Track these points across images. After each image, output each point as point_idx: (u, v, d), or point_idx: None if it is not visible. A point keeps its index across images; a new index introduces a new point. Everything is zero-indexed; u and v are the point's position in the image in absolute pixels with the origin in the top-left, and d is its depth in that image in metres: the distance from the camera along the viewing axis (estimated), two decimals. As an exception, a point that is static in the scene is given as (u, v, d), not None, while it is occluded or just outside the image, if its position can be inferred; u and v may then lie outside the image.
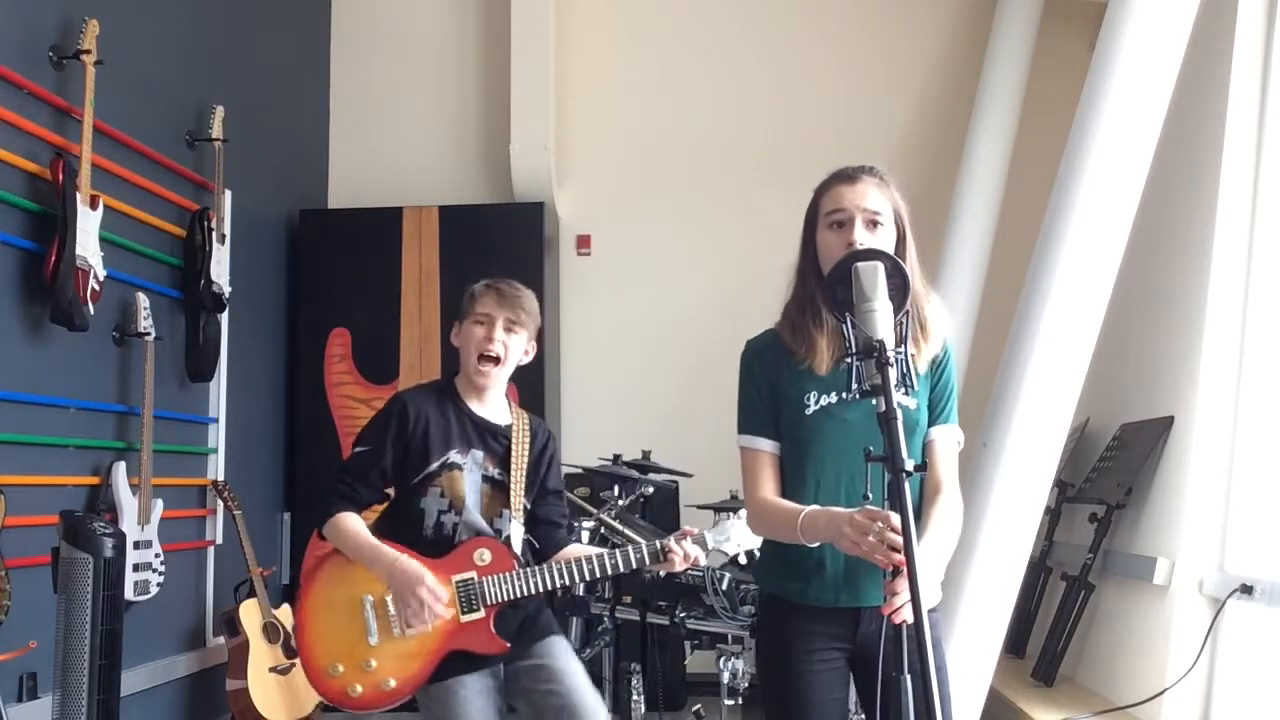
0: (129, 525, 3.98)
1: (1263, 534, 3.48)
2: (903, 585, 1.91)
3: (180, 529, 4.58)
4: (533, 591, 2.75)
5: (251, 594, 4.59)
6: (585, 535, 3.74)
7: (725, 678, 3.60)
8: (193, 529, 4.75)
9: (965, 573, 3.52)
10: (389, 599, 2.72)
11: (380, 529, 2.82)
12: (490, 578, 2.74)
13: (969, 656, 3.53)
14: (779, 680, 2.28)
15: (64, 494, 3.81)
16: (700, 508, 4.32)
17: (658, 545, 2.77)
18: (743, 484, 2.37)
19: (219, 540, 4.83)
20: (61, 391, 3.82)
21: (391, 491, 2.86)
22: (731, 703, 3.59)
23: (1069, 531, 4.65)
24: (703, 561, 2.80)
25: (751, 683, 3.62)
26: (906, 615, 1.91)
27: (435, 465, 2.78)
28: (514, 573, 2.75)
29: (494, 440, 2.86)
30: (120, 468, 4.01)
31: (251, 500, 4.98)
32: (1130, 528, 4.05)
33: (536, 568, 2.77)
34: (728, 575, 3.74)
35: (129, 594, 3.87)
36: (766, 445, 2.32)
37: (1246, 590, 3.32)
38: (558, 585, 2.77)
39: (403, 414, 2.80)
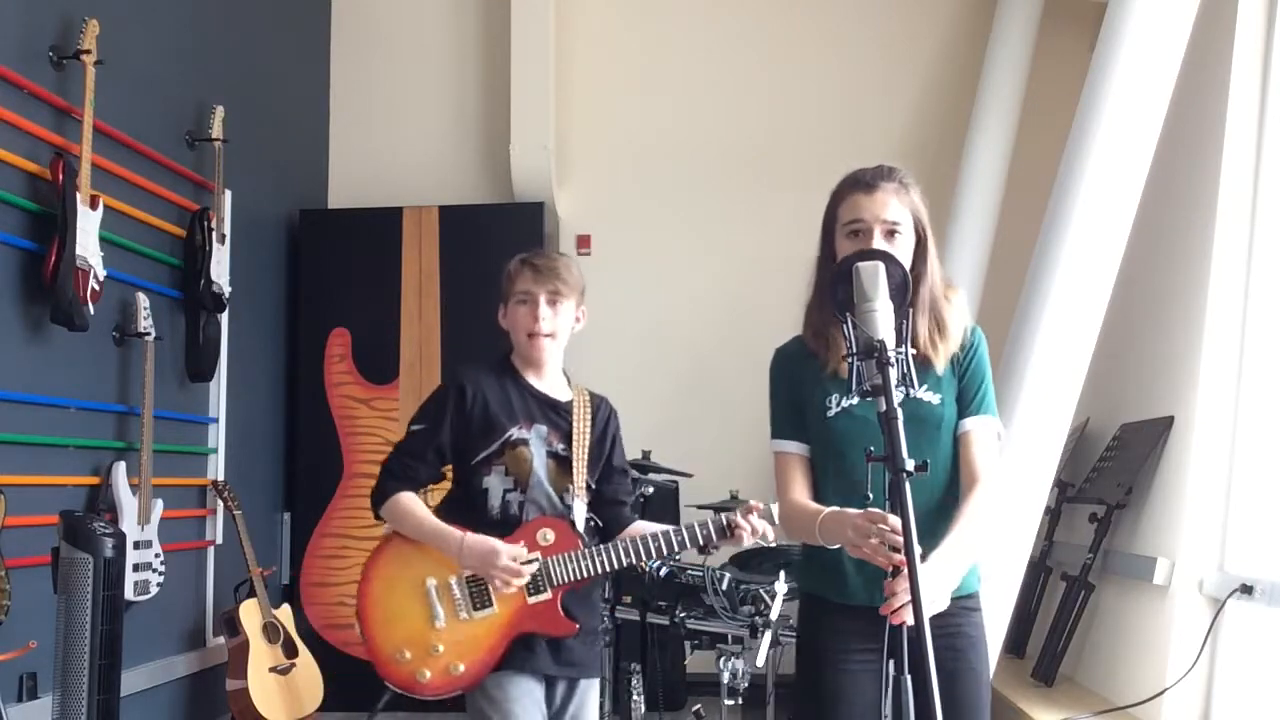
0: (129, 525, 3.98)
1: (1263, 534, 3.48)
2: (902, 585, 1.91)
3: (180, 529, 4.58)
4: (599, 571, 2.67)
5: (251, 594, 4.59)
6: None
7: (725, 678, 3.59)
8: (193, 529, 4.75)
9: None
10: (453, 581, 2.67)
11: (444, 513, 2.75)
12: (556, 557, 2.66)
13: (969, 656, 3.53)
14: (815, 680, 2.30)
15: (64, 494, 3.81)
16: (700, 507, 4.31)
17: (724, 520, 2.67)
18: (776, 488, 2.38)
19: (219, 540, 4.83)
20: (61, 391, 3.81)
21: (448, 471, 2.79)
22: (731, 703, 3.59)
23: (1069, 531, 4.65)
24: (770, 536, 2.68)
25: (752, 683, 3.62)
26: (906, 616, 1.90)
27: (497, 444, 2.71)
28: (580, 551, 2.67)
29: (557, 415, 2.78)
30: (120, 468, 4.01)
31: (251, 500, 4.98)
32: (1130, 528, 4.06)
33: (603, 546, 2.69)
34: (728, 575, 3.75)
35: (129, 594, 3.87)
36: (794, 448, 2.34)
37: (1246, 590, 3.33)
38: (624, 563, 2.69)
39: (460, 391, 2.73)
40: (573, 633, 2.69)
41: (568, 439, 2.76)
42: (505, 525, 2.69)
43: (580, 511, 2.75)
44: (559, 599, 2.68)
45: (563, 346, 2.81)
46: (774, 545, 3.39)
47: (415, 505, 2.72)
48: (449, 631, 2.66)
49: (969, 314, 2.39)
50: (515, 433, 2.72)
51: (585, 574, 2.67)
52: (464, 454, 2.73)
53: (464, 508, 2.74)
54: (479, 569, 2.63)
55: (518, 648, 2.67)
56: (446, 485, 2.84)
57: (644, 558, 2.70)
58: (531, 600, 2.67)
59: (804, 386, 2.31)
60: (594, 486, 2.81)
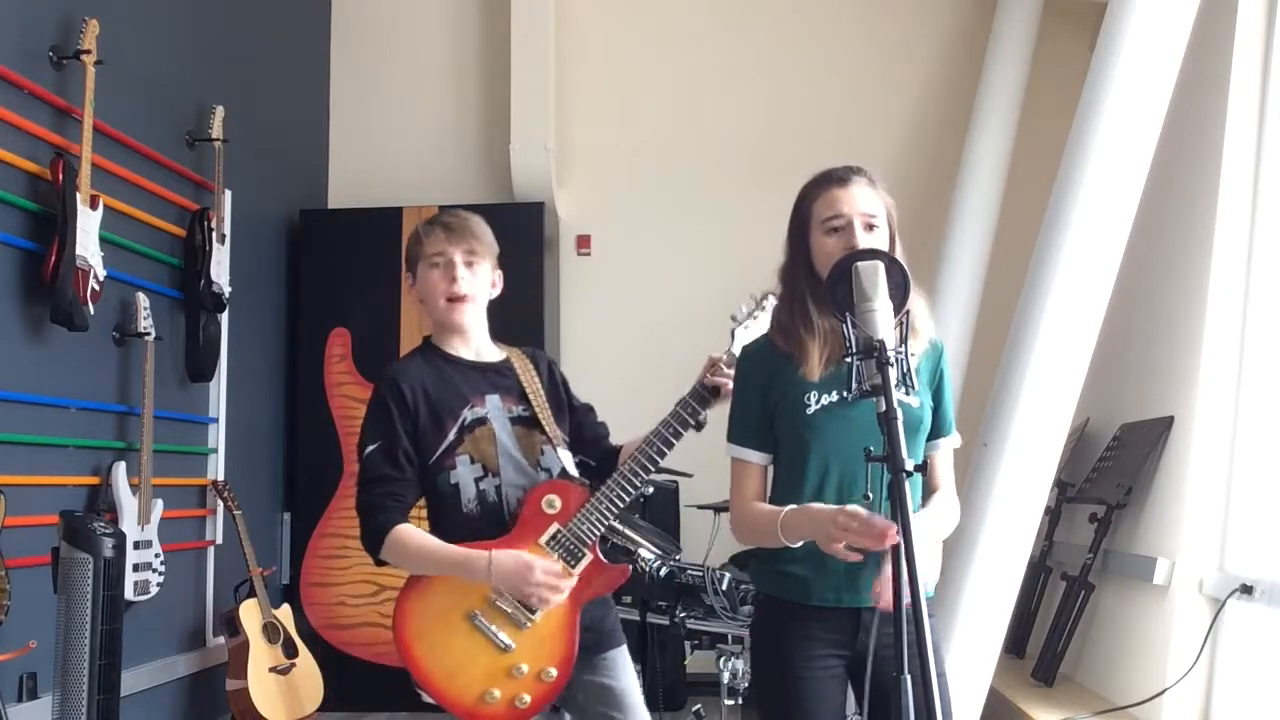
0: (129, 525, 3.98)
1: (1263, 534, 3.48)
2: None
3: (180, 529, 4.58)
4: (622, 503, 2.51)
5: (251, 594, 4.59)
6: None
7: (725, 678, 3.59)
8: (193, 529, 4.75)
9: (965, 573, 3.52)
10: (496, 599, 2.47)
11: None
12: (576, 517, 2.50)
13: (969, 656, 3.53)
14: (777, 687, 2.26)
15: (64, 494, 3.81)
16: (700, 508, 4.32)
17: (702, 388, 2.56)
18: (730, 492, 2.35)
19: (219, 540, 4.83)
20: (61, 391, 3.82)
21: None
22: (731, 703, 3.59)
23: (1069, 531, 4.65)
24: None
25: (752, 683, 3.62)
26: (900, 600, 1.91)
27: (453, 433, 2.52)
28: (595, 497, 2.52)
29: (501, 378, 2.61)
30: (120, 468, 4.01)
31: (251, 500, 4.98)
32: (1130, 528, 4.05)
33: (611, 480, 2.53)
34: (728, 575, 3.74)
35: (129, 594, 3.87)
36: (753, 457, 2.31)
37: (1246, 590, 3.32)
38: (640, 481, 2.52)
39: (396, 391, 2.52)
40: (626, 574, 2.56)
41: (523, 397, 2.60)
42: (489, 518, 2.52)
43: (567, 459, 2.60)
44: (598, 553, 2.53)
45: (483, 311, 2.63)
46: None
47: (419, 536, 2.49)
48: (522, 648, 2.48)
49: (930, 320, 2.38)
50: (468, 413, 2.54)
51: (612, 513, 2.52)
52: (422, 455, 2.53)
53: (440, 513, 2.55)
54: (513, 589, 2.45)
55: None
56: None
57: (655, 462, 2.54)
58: (577, 569, 2.51)
59: (778, 384, 2.28)
60: (569, 434, 2.67)
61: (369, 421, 2.56)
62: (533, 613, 2.47)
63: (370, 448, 2.54)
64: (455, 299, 2.56)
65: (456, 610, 2.48)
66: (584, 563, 2.52)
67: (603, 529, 2.52)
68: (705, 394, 2.57)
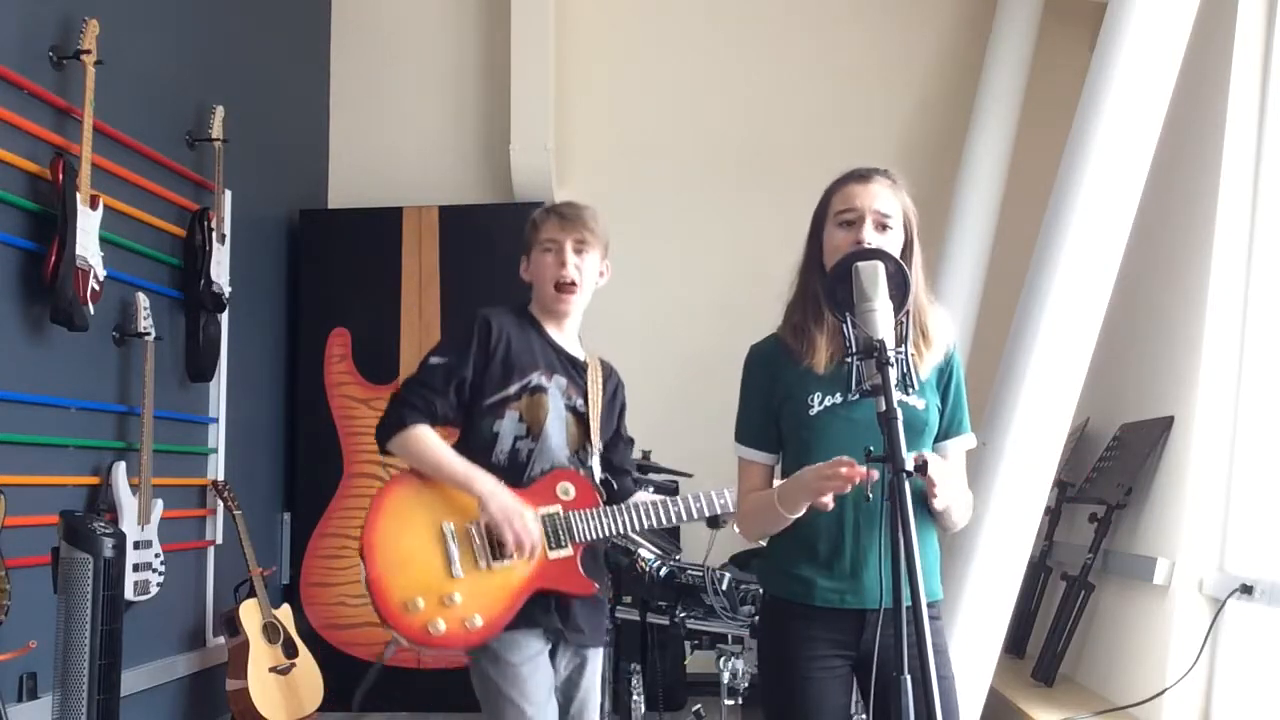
0: (129, 525, 3.98)
1: (1263, 534, 3.48)
2: (938, 472, 2.02)
3: (180, 529, 4.58)
4: (619, 530, 2.58)
5: (251, 594, 4.59)
6: None
7: (725, 678, 3.59)
8: (193, 529, 4.75)
9: (965, 573, 3.52)
10: (472, 528, 2.52)
11: None
12: (576, 513, 2.55)
13: (969, 656, 3.53)
14: (781, 687, 2.27)
15: (64, 494, 3.81)
16: (700, 508, 4.32)
17: (715, 517, 2.64)
18: (737, 492, 2.37)
19: (219, 540, 4.83)
20: (61, 391, 3.81)
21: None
22: (731, 703, 3.59)
23: (1069, 531, 4.65)
24: None
25: (752, 683, 3.62)
26: (942, 495, 2.03)
27: (515, 388, 2.58)
28: (600, 509, 2.57)
29: (575, 372, 2.68)
30: (120, 468, 4.01)
31: (251, 500, 4.98)
32: (1130, 528, 4.06)
33: (624, 506, 2.59)
34: (728, 575, 3.74)
35: (129, 594, 3.87)
36: (759, 457, 2.32)
37: (1246, 590, 3.32)
38: (644, 525, 2.59)
39: (485, 328, 2.58)
40: (590, 592, 2.59)
41: (585, 396, 2.66)
42: (511, 472, 2.57)
43: (597, 471, 2.66)
44: (579, 556, 2.56)
45: (585, 302, 2.72)
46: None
47: (436, 440, 2.53)
48: (467, 581, 2.49)
49: (952, 329, 2.38)
50: (535, 378, 2.60)
51: (606, 532, 2.57)
52: (479, 393, 2.58)
53: (467, 448, 2.60)
54: (498, 519, 2.47)
55: (530, 606, 2.54)
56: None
57: (662, 522, 2.61)
58: (553, 555, 2.53)
59: (781, 385, 2.28)
60: (603, 451, 2.73)
61: (446, 338, 2.67)
62: (496, 560, 2.50)
63: (435, 359, 2.61)
64: (563, 286, 2.66)
65: (437, 516, 2.52)
66: (562, 552, 2.55)
67: (593, 537, 2.57)
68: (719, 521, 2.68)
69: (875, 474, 1.97)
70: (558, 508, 2.56)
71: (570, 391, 2.65)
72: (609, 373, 2.79)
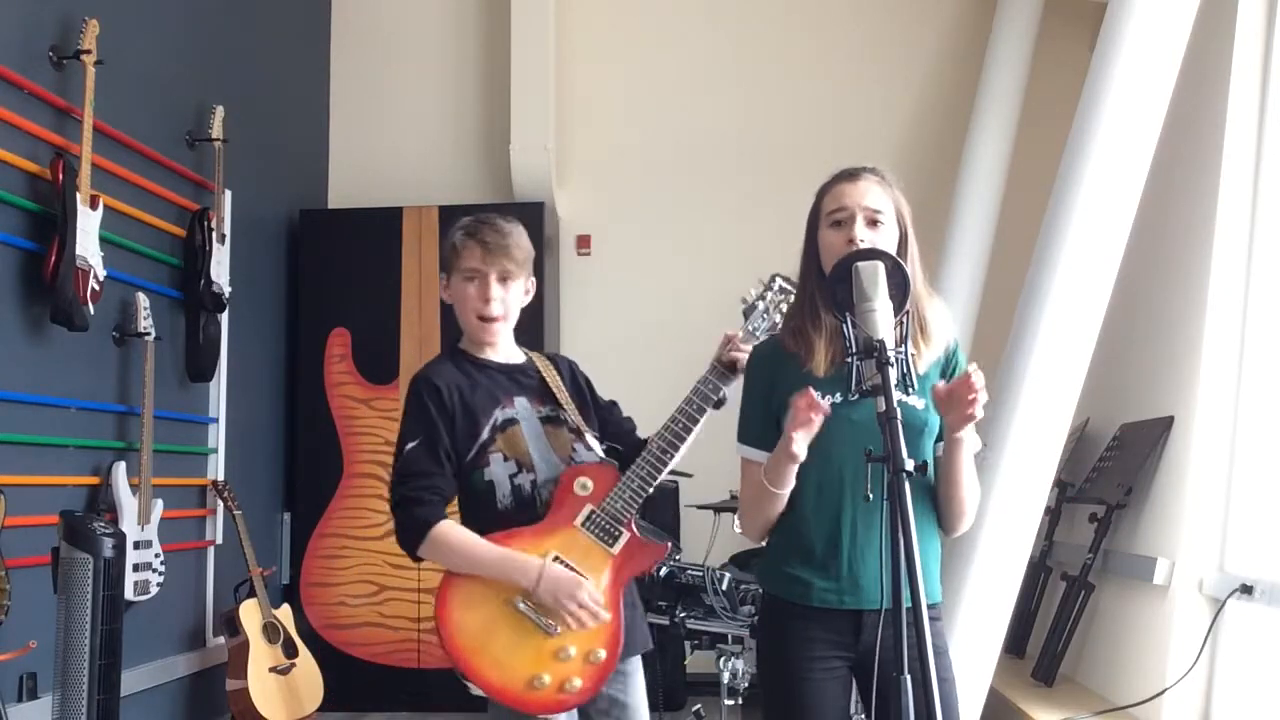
0: (129, 525, 3.98)
1: (1263, 534, 3.48)
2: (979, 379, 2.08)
3: (180, 529, 4.59)
4: (653, 479, 2.52)
5: (251, 594, 4.59)
6: None
7: (725, 678, 3.60)
8: (193, 529, 4.75)
9: (965, 573, 3.52)
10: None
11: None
12: (610, 496, 2.51)
13: (969, 656, 3.53)
14: (780, 687, 2.26)
15: (64, 494, 3.81)
16: (700, 508, 4.32)
17: (719, 364, 2.57)
18: (739, 491, 2.37)
19: (219, 540, 4.83)
20: (61, 391, 3.82)
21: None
22: (731, 703, 3.59)
23: (1069, 531, 4.65)
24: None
25: (752, 683, 3.62)
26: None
27: (486, 432, 2.52)
28: (626, 476, 2.52)
29: (527, 379, 2.63)
30: (120, 468, 4.01)
31: (251, 500, 4.98)
32: (1130, 528, 4.06)
33: (640, 459, 2.53)
34: (728, 575, 3.74)
35: (129, 594, 3.87)
36: (760, 457, 2.30)
37: (1246, 590, 3.32)
38: (668, 456, 2.52)
39: (432, 390, 2.52)
40: (664, 554, 2.57)
41: (548, 397, 2.62)
42: (522, 509, 2.52)
43: (596, 448, 2.63)
44: (634, 528, 2.53)
45: (514, 324, 2.65)
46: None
47: (462, 533, 2.47)
48: (568, 630, 2.44)
49: (952, 324, 2.37)
50: (500, 413, 2.55)
51: (643, 489, 2.52)
52: (457, 453, 2.55)
53: (473, 511, 2.55)
54: (549, 605, 2.42)
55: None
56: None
57: (681, 439, 2.55)
58: (615, 550, 2.50)
59: (781, 385, 2.28)
60: (597, 430, 2.69)
61: (409, 419, 2.55)
62: (556, 626, 2.44)
63: (411, 444, 2.51)
64: (487, 319, 2.58)
65: (498, 598, 2.45)
66: (622, 541, 2.51)
67: (637, 506, 2.51)
68: (724, 370, 2.58)
69: (828, 405, 2.08)
70: (589, 507, 2.51)
71: (535, 404, 2.60)
72: (555, 360, 2.73)
